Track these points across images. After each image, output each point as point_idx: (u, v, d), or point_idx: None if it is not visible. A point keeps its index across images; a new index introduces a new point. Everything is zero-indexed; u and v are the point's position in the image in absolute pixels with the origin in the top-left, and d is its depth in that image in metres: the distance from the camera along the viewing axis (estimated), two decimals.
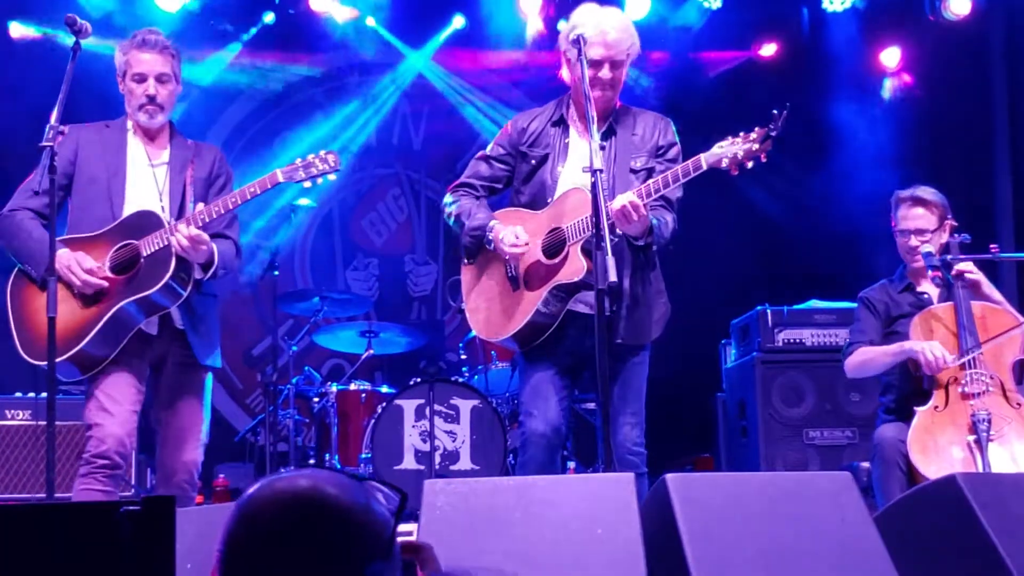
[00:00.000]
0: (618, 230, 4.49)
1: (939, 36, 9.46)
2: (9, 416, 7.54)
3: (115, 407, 4.63)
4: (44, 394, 4.55)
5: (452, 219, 5.00)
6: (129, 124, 4.97)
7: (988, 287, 5.40)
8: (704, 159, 4.43)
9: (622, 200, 4.43)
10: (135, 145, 4.94)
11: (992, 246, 5.53)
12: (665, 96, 9.57)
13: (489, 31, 9.71)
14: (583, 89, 4.46)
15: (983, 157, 9.52)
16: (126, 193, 4.83)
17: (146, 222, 4.70)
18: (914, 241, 5.54)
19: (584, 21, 4.76)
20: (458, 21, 9.93)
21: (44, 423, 4.42)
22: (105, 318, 4.62)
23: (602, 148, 4.74)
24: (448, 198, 5.06)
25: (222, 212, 4.70)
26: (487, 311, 4.89)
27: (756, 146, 4.33)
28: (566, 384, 4.84)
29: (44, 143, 4.38)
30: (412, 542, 2.35)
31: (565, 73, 4.93)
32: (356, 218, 10.29)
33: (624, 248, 4.70)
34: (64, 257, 4.63)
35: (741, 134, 4.38)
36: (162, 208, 4.80)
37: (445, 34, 10.01)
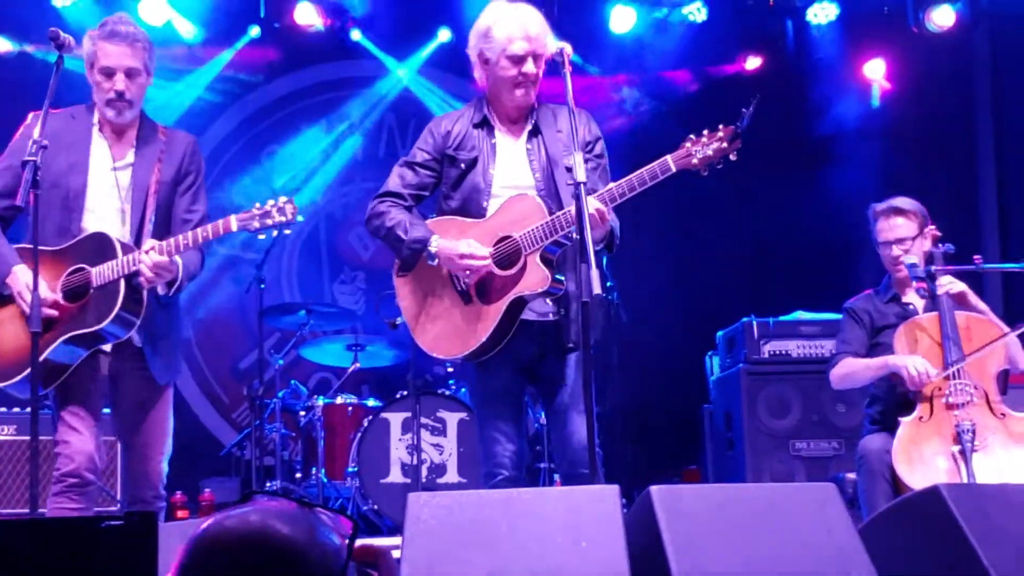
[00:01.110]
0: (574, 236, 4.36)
1: (923, 48, 9.50)
2: None
3: (80, 423, 4.53)
4: (28, 409, 4.53)
5: (383, 232, 4.73)
6: (95, 117, 4.74)
7: (973, 297, 5.43)
8: (671, 161, 4.28)
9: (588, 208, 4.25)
10: (99, 144, 4.71)
11: (976, 257, 5.55)
12: (649, 109, 9.61)
13: None
14: (568, 101, 4.33)
15: (967, 168, 9.57)
16: (86, 202, 4.63)
17: (101, 248, 4.52)
18: (896, 251, 5.57)
19: (500, 17, 4.65)
20: (444, 35, 9.94)
21: (28, 438, 4.38)
22: (52, 347, 4.48)
23: (528, 148, 4.65)
24: (374, 208, 4.81)
25: (172, 252, 4.49)
26: (439, 328, 4.67)
27: (725, 144, 4.22)
28: (520, 400, 4.71)
29: (27, 158, 4.30)
30: (370, 547, 2.33)
31: (478, 74, 4.75)
32: (343, 232, 10.28)
33: (569, 250, 4.52)
34: (21, 276, 4.51)
35: (706, 132, 4.26)
36: (122, 219, 4.64)
37: (431, 48, 10.02)
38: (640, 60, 9.69)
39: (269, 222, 4.57)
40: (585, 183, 4.10)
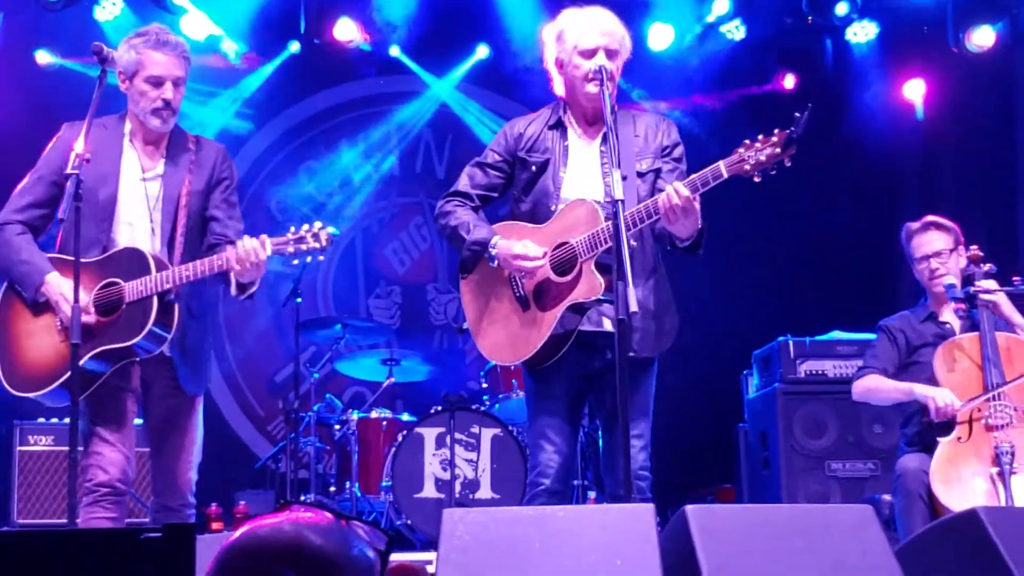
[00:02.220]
0: (665, 228, 4.33)
1: (963, 68, 9.45)
2: (32, 442, 7.59)
3: (112, 435, 4.55)
4: (67, 420, 4.56)
5: (448, 231, 4.71)
6: (127, 127, 4.74)
7: (1009, 307, 5.38)
8: (723, 166, 4.19)
9: (672, 193, 4.19)
10: (130, 155, 4.71)
11: (1015, 277, 5.52)
12: (682, 125, 9.61)
13: (512, 60, 9.75)
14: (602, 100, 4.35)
15: (1007, 188, 9.49)
16: (116, 214, 4.63)
17: (134, 264, 4.52)
18: (934, 263, 5.54)
19: (572, 17, 4.64)
20: (482, 51, 9.97)
21: (67, 449, 4.42)
22: (86, 358, 4.47)
23: (602, 151, 4.58)
24: (441, 207, 4.78)
25: (206, 273, 4.48)
26: (497, 334, 4.66)
27: (779, 150, 4.10)
28: (576, 412, 4.68)
29: (69, 171, 4.32)
30: (405, 564, 2.33)
31: (556, 83, 4.73)
32: (379, 246, 10.32)
33: (636, 255, 4.43)
34: (55, 285, 4.51)
35: (760, 137, 4.16)
36: (152, 230, 4.65)
37: (469, 64, 10.06)
38: (677, 77, 9.68)
39: (303, 247, 4.54)
40: (623, 200, 4.09)
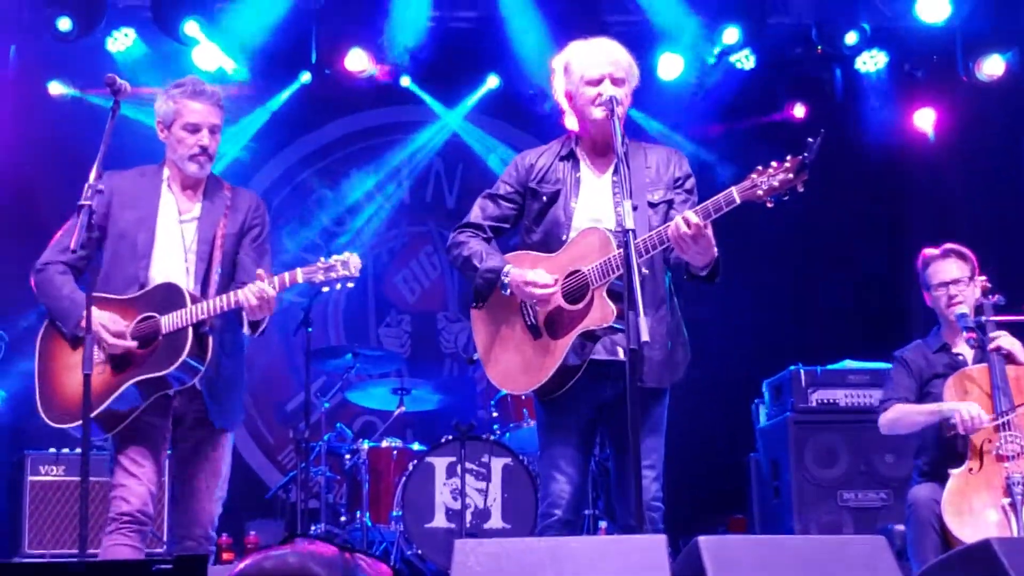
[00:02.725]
0: (680, 257, 4.35)
1: (973, 97, 9.46)
2: (43, 472, 7.59)
3: (138, 469, 4.68)
4: (78, 450, 4.59)
5: (460, 261, 4.74)
6: (165, 173, 4.95)
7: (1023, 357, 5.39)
8: (736, 192, 4.19)
9: (680, 221, 4.20)
10: (167, 198, 4.91)
11: None
12: (691, 154, 9.62)
13: (523, 90, 9.79)
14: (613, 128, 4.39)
15: (1018, 218, 9.48)
16: (153, 253, 4.82)
17: (170, 298, 4.69)
18: (952, 290, 5.54)
19: (578, 49, 4.69)
20: (492, 81, 10.00)
21: (78, 479, 4.45)
22: (118, 391, 4.65)
23: (614, 181, 4.59)
24: (454, 239, 4.80)
25: (225, 308, 4.66)
26: (508, 362, 4.66)
27: (792, 175, 4.10)
28: (588, 441, 4.67)
29: (82, 202, 4.39)
30: None
31: (568, 116, 4.77)
32: (389, 275, 10.33)
33: (648, 284, 4.44)
34: (95, 317, 4.60)
35: (773, 163, 4.15)
36: (187, 270, 4.81)
37: (479, 94, 10.09)
38: (687, 107, 9.70)
39: (334, 275, 4.71)
40: (634, 230, 4.10)
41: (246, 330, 4.77)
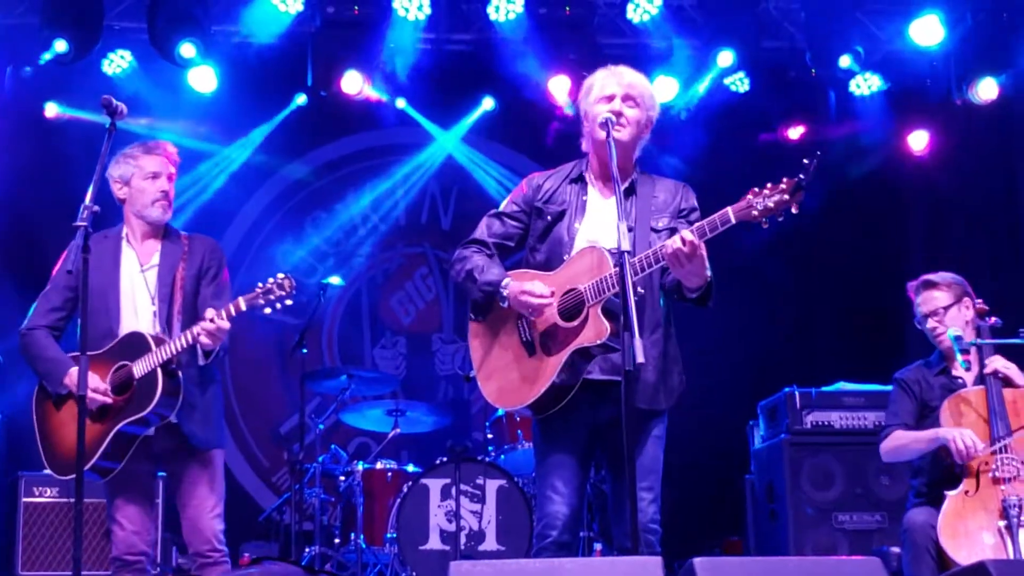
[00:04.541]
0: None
1: (966, 120, 9.49)
2: (37, 493, 7.58)
3: (123, 516, 5.14)
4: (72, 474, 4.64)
5: (463, 275, 4.73)
6: (124, 231, 5.31)
7: (1020, 380, 5.39)
8: (732, 212, 4.21)
9: (677, 239, 4.23)
10: (128, 253, 5.29)
11: (1022, 330, 5.51)
12: (689, 176, 9.63)
13: (518, 113, 9.81)
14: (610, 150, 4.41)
15: (1012, 239, 9.52)
16: (121, 304, 5.20)
17: (136, 345, 5.07)
18: (931, 323, 5.57)
19: (599, 73, 4.77)
20: (487, 103, 10.03)
21: (72, 500, 4.50)
22: (110, 435, 5.04)
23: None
24: (458, 254, 4.82)
25: (185, 346, 5.00)
26: (502, 378, 4.66)
27: (787, 196, 4.12)
28: (584, 462, 4.66)
29: (78, 223, 4.46)
30: None
31: (584, 138, 4.81)
32: (384, 297, 10.33)
33: (646, 306, 4.50)
34: (76, 376, 4.89)
35: (769, 185, 4.17)
36: (154, 312, 5.19)
37: (475, 116, 10.11)
38: (682, 129, 9.72)
39: (272, 297, 5.01)
40: (629, 252, 4.13)
41: (200, 360, 5.11)
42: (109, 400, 5.03)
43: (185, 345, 4.99)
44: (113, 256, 5.26)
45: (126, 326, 5.17)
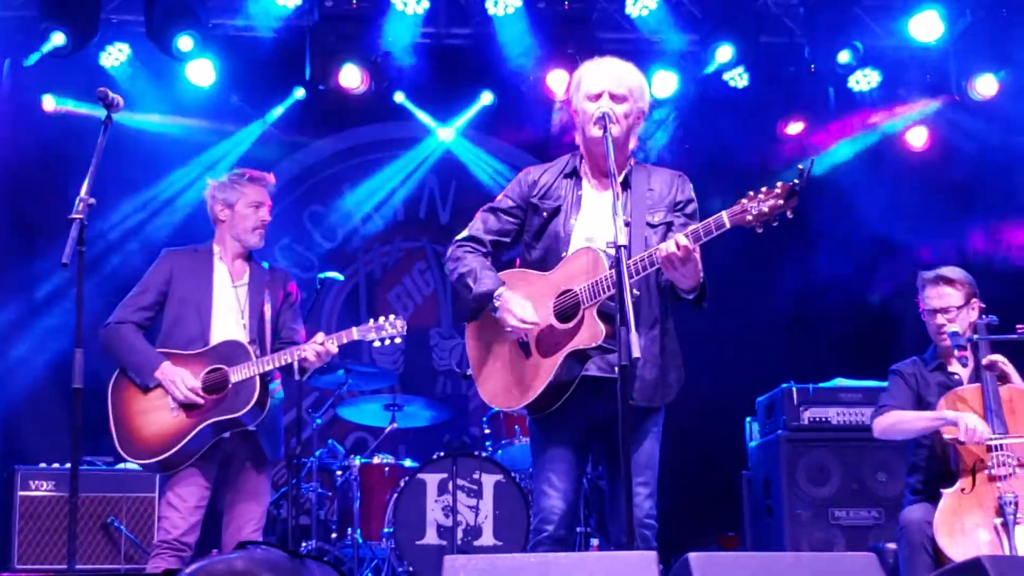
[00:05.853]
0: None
1: (965, 116, 9.48)
2: (32, 487, 7.56)
3: (182, 504, 5.44)
4: (67, 464, 4.63)
5: (456, 277, 4.74)
6: (216, 249, 5.81)
7: (1016, 378, 5.39)
8: (726, 216, 4.22)
9: (671, 243, 4.24)
10: (220, 269, 5.77)
11: (1020, 327, 5.50)
12: (687, 172, 9.62)
13: (516, 107, 9.80)
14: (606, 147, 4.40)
15: (1010, 237, 9.50)
16: (213, 311, 5.66)
17: (235, 352, 5.54)
18: (940, 319, 5.54)
19: (586, 66, 4.74)
20: (486, 98, 10.01)
21: (65, 494, 4.52)
22: (195, 431, 5.43)
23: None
24: (452, 252, 4.81)
25: (290, 361, 5.53)
26: (498, 379, 4.67)
27: (782, 201, 4.12)
28: (581, 458, 4.68)
29: (74, 215, 4.47)
30: None
31: (577, 132, 4.80)
32: (382, 291, 10.32)
33: (642, 305, 4.51)
34: (170, 371, 5.48)
35: (764, 189, 4.17)
36: (243, 325, 5.68)
37: (473, 110, 10.10)
38: (681, 124, 9.71)
39: (384, 334, 5.67)
40: (626, 246, 4.13)
41: (296, 376, 5.61)
42: (201, 402, 5.44)
43: (288, 361, 5.47)
44: (206, 269, 5.74)
45: (218, 334, 5.61)
